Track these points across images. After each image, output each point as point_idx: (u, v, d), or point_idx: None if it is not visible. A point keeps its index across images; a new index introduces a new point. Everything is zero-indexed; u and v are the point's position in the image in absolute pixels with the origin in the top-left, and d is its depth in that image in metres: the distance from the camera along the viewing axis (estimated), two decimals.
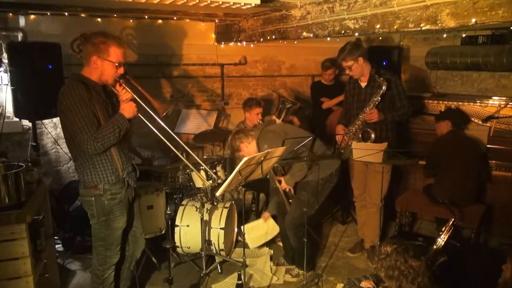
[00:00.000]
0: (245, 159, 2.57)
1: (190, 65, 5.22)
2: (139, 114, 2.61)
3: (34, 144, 3.96)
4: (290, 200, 3.49)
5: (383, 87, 3.47)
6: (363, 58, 3.53)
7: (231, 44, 5.14)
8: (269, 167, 3.01)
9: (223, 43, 5.19)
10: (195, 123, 4.98)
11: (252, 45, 5.31)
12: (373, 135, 3.58)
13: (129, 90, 2.60)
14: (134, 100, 2.62)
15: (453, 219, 2.98)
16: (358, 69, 3.54)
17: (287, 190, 3.46)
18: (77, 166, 2.61)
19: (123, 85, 2.59)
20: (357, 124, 3.63)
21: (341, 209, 4.78)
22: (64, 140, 4.61)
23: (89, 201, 2.61)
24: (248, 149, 3.31)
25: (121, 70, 2.55)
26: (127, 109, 2.58)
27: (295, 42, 5.10)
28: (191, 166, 2.82)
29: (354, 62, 3.50)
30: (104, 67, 2.51)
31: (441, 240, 2.89)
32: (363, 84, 3.65)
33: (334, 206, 4.87)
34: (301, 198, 3.37)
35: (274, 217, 3.84)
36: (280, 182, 3.40)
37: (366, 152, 3.39)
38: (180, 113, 5.09)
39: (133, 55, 4.76)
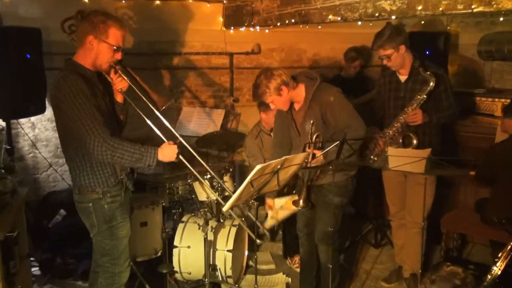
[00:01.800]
0: (257, 167, 2.57)
1: (193, 54, 5.26)
2: (139, 111, 2.65)
3: (8, 147, 4.01)
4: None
5: (431, 83, 3.41)
6: (406, 46, 3.49)
7: (242, 29, 5.15)
8: (287, 177, 3.00)
9: (232, 28, 5.21)
10: (198, 123, 5.00)
11: (267, 31, 5.31)
12: (415, 141, 3.53)
13: (125, 78, 2.66)
14: (128, 89, 2.69)
15: None
16: (398, 59, 3.51)
17: (314, 163, 3.35)
18: (72, 168, 2.67)
19: (119, 71, 2.65)
20: (396, 127, 3.59)
21: (374, 229, 4.74)
22: (43, 143, 4.77)
23: (86, 208, 2.67)
24: (286, 98, 3.24)
25: (118, 55, 2.62)
26: (166, 152, 2.59)
27: (319, 27, 5.09)
28: (197, 175, 2.86)
29: (394, 50, 3.46)
30: (100, 49, 2.57)
31: (497, 269, 2.84)
32: (403, 78, 3.62)
33: (365, 225, 4.84)
34: (330, 203, 3.37)
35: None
36: (313, 156, 3.32)
37: (404, 160, 3.36)
38: (180, 111, 5.12)
39: (129, 40, 4.82)
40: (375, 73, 5.86)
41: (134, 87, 2.68)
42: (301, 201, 3.31)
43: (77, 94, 2.46)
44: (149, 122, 2.65)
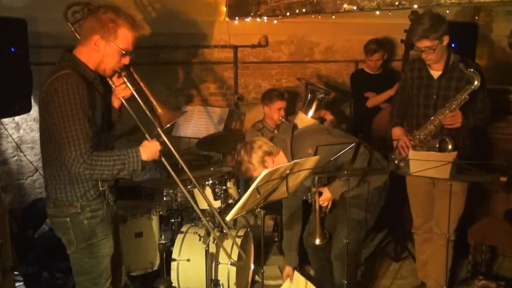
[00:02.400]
0: (264, 172, 2.56)
1: (193, 48, 5.26)
2: (139, 124, 2.64)
3: None
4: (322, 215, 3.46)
5: (475, 83, 3.32)
6: (448, 37, 3.40)
7: (248, 19, 5.16)
8: (297, 183, 2.99)
9: (237, 18, 5.22)
10: (199, 124, 5.00)
11: (275, 21, 5.30)
12: (450, 146, 3.46)
13: (130, 87, 2.63)
14: (128, 100, 2.66)
15: None
16: (440, 52, 3.42)
17: (325, 204, 3.42)
18: (48, 177, 2.63)
19: (125, 78, 2.62)
20: (429, 129, 3.52)
21: (393, 241, 4.72)
22: (29, 145, 4.79)
23: (63, 224, 2.63)
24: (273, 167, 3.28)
25: (126, 60, 2.58)
26: (149, 150, 2.59)
27: (333, 17, 5.07)
28: (194, 181, 2.84)
29: (438, 42, 3.37)
30: (107, 52, 2.52)
31: None
32: (436, 74, 3.54)
33: (384, 236, 4.81)
34: (352, 217, 3.37)
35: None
36: (320, 194, 3.35)
37: (427, 165, 3.34)
38: (179, 110, 5.12)
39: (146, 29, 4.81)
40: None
41: (137, 98, 2.64)
42: (317, 239, 3.33)
43: (73, 101, 2.40)
44: (147, 135, 2.63)
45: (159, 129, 2.66)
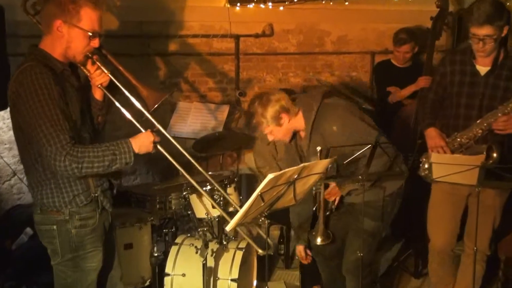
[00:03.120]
0: (269, 176, 2.56)
1: (190, 37, 5.27)
2: (126, 114, 2.65)
3: None
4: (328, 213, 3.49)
5: None
6: (507, 28, 3.36)
7: (251, 6, 5.17)
8: (306, 189, 2.99)
9: (238, 4, 5.23)
10: (196, 122, 5.00)
11: (281, 8, 5.32)
12: (495, 154, 3.43)
13: (105, 71, 2.64)
14: (111, 84, 2.67)
15: None
16: (496, 44, 3.38)
17: (332, 199, 3.42)
18: (32, 183, 2.65)
19: (98, 63, 2.63)
20: (474, 133, 3.50)
21: (414, 255, 4.72)
22: (6, 146, 4.79)
23: (49, 231, 2.65)
24: (287, 127, 3.28)
25: (95, 43, 2.59)
26: (141, 142, 2.60)
27: (346, 3, 5.09)
28: (198, 187, 2.86)
29: (498, 31, 3.32)
30: (72, 36, 2.54)
31: None
32: (483, 70, 3.50)
33: (402, 248, 4.80)
34: (365, 228, 3.38)
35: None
36: (326, 187, 3.36)
37: (451, 169, 3.34)
38: (174, 107, 5.13)
39: (113, 21, 4.84)
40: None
41: (116, 82, 2.66)
42: (318, 238, 3.34)
43: (41, 91, 2.41)
44: (139, 126, 2.65)
45: (145, 112, 2.66)
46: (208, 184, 3.96)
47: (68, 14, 2.50)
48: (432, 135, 3.64)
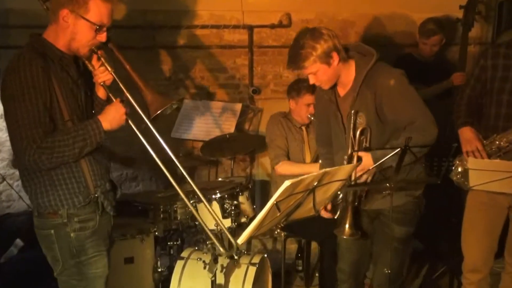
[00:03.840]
0: (286, 183, 2.55)
1: (198, 28, 5.28)
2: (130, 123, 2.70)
3: None
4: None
5: None
6: None
7: None
8: (327, 198, 2.98)
9: None
10: (204, 123, 5.01)
11: None
12: None
13: (109, 69, 2.70)
14: (107, 87, 2.71)
15: None
16: None
17: (364, 178, 3.35)
18: (26, 183, 2.72)
19: (102, 59, 2.69)
20: None
21: (448, 272, 4.70)
22: None
23: (47, 237, 2.71)
24: (335, 70, 3.24)
25: (102, 37, 2.66)
26: (112, 116, 2.67)
27: None
28: (200, 196, 2.84)
29: None
30: (78, 28, 2.61)
31: None
32: None
33: (435, 265, 4.80)
34: (394, 236, 3.40)
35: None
36: (359, 160, 3.29)
37: (491, 176, 3.32)
38: (181, 105, 5.14)
39: (118, 9, 4.83)
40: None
41: (119, 83, 2.70)
42: (346, 227, 3.29)
43: (24, 79, 2.49)
44: (139, 135, 2.67)
45: (146, 119, 2.70)
46: (218, 191, 3.98)
47: (76, 4, 2.57)
48: (467, 136, 3.63)
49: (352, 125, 3.24)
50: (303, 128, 4.47)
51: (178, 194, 4.04)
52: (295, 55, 3.19)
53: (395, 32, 5.90)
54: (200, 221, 2.84)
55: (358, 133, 3.22)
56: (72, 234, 2.69)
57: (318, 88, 3.47)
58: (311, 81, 3.27)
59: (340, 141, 3.41)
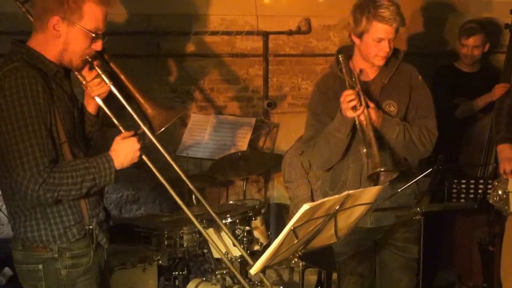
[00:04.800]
0: (304, 207, 2.56)
1: (207, 35, 5.32)
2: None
3: None
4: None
5: None
6: None
7: None
8: (350, 223, 2.99)
9: None
10: (214, 139, 5.02)
11: None
12: None
13: (107, 80, 2.66)
14: (107, 97, 2.69)
15: None
16: None
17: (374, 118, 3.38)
18: (12, 211, 2.65)
19: (99, 70, 2.66)
20: None
21: None
22: None
23: (33, 272, 2.65)
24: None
25: (98, 45, 2.63)
26: (125, 154, 2.61)
27: None
28: (217, 219, 2.85)
29: None
30: (71, 37, 2.57)
31: None
32: None
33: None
34: (411, 257, 3.49)
35: None
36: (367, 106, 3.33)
37: None
38: (187, 120, 5.16)
39: (118, 13, 4.86)
40: None
41: (117, 95, 2.67)
42: (378, 163, 3.23)
43: (25, 101, 2.42)
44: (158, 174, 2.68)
45: (150, 136, 2.68)
46: (228, 215, 3.99)
47: (68, 10, 2.51)
48: (506, 154, 3.69)
49: None
50: None
51: (184, 218, 4.10)
52: (398, 11, 3.32)
53: (429, 38, 5.91)
54: (213, 244, 2.82)
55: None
56: (63, 271, 2.63)
57: (320, 82, 3.61)
58: (387, 48, 3.36)
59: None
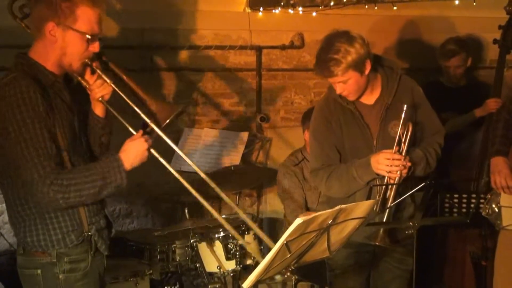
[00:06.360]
0: (297, 221, 2.54)
1: (201, 49, 5.31)
2: (130, 128, 2.71)
3: None
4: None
5: None
6: None
7: (276, 11, 5.21)
8: (342, 238, 2.97)
9: (261, 9, 5.28)
10: (207, 153, 5.02)
11: (314, 14, 5.35)
12: None
13: (107, 80, 2.71)
14: (112, 97, 2.75)
15: None
16: None
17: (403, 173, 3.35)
18: (13, 218, 2.70)
19: (98, 71, 2.70)
20: None
21: None
22: None
23: (32, 277, 2.69)
24: (365, 79, 3.36)
25: (95, 47, 2.66)
26: (134, 155, 2.66)
27: (395, 8, 5.10)
28: (226, 226, 2.86)
29: None
30: (67, 40, 2.60)
31: None
32: None
33: None
34: (407, 268, 3.54)
35: None
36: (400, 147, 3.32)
37: None
38: (180, 134, 5.15)
39: (112, 27, 4.88)
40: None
41: (120, 94, 2.73)
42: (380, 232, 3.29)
43: (24, 108, 2.48)
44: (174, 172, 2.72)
45: (157, 130, 2.73)
46: (221, 229, 3.97)
47: (62, 15, 2.56)
48: (498, 168, 3.66)
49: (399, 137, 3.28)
50: None
51: (177, 232, 4.09)
52: (327, 60, 3.21)
53: (417, 55, 5.93)
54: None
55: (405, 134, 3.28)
56: (61, 276, 2.67)
57: (321, 107, 3.57)
58: (339, 91, 3.32)
59: (365, 154, 3.42)
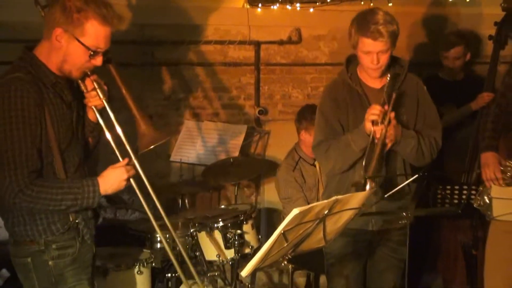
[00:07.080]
0: (294, 212, 2.58)
1: (201, 44, 5.33)
2: (114, 148, 2.73)
3: None
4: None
5: None
6: None
7: (275, 7, 5.22)
8: (338, 227, 3.01)
9: (260, 5, 5.28)
10: (206, 146, 5.02)
11: (311, 9, 5.35)
12: None
13: (101, 96, 2.70)
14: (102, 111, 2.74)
15: None
16: None
17: (390, 141, 3.38)
18: (2, 209, 2.73)
19: (95, 84, 2.70)
20: None
21: None
22: None
23: (24, 265, 2.71)
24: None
25: (97, 61, 2.65)
26: (111, 182, 2.69)
27: (390, 4, 5.11)
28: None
29: None
30: (71, 50, 2.60)
31: None
32: None
33: None
34: (402, 258, 3.50)
35: None
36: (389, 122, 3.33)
37: None
38: (180, 127, 5.16)
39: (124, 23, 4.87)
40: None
41: (108, 109, 2.73)
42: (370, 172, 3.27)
43: (14, 112, 2.48)
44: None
45: (132, 155, 2.74)
46: (220, 219, 4.00)
47: (72, 24, 2.54)
48: (488, 162, 3.67)
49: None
50: (317, 163, 4.46)
51: (177, 222, 4.11)
52: (377, 22, 3.27)
53: (417, 50, 5.95)
54: None
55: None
56: (50, 262, 2.68)
57: (330, 88, 3.65)
58: (375, 61, 3.35)
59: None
